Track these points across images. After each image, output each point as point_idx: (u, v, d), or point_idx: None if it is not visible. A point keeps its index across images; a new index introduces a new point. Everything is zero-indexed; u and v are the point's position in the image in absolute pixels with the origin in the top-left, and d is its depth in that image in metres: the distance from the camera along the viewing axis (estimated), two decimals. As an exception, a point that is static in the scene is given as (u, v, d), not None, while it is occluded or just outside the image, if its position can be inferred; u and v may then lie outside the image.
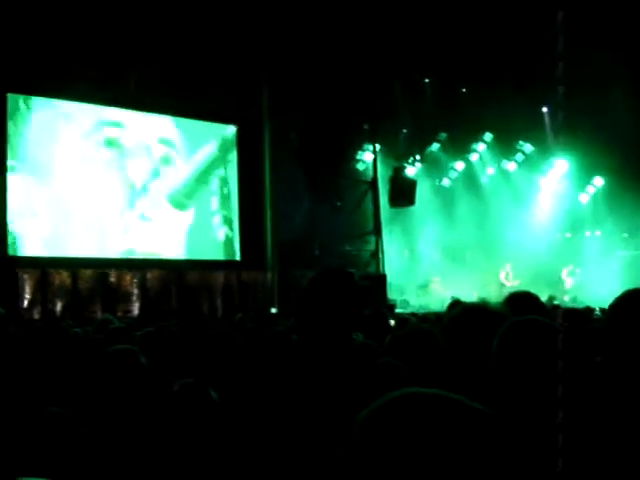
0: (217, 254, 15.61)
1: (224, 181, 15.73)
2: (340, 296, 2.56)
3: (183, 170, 15.17)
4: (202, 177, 15.42)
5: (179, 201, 15.03)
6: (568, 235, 20.14)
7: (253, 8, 13.53)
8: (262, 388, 2.70)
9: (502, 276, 18.99)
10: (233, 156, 15.87)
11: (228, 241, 15.71)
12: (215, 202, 15.60)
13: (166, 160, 14.92)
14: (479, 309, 2.50)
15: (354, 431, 1.05)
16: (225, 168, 15.78)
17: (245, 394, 2.83)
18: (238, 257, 15.74)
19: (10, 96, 12.96)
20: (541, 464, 1.75)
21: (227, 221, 15.67)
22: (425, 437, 1.00)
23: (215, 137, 15.74)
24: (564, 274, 18.63)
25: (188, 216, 15.12)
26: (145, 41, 13.41)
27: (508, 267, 18.96)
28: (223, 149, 15.78)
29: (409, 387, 1.09)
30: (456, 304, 6.32)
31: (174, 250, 14.91)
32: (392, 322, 5.53)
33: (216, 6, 13.33)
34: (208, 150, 15.54)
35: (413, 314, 10.18)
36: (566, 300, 17.04)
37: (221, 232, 15.64)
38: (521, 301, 3.29)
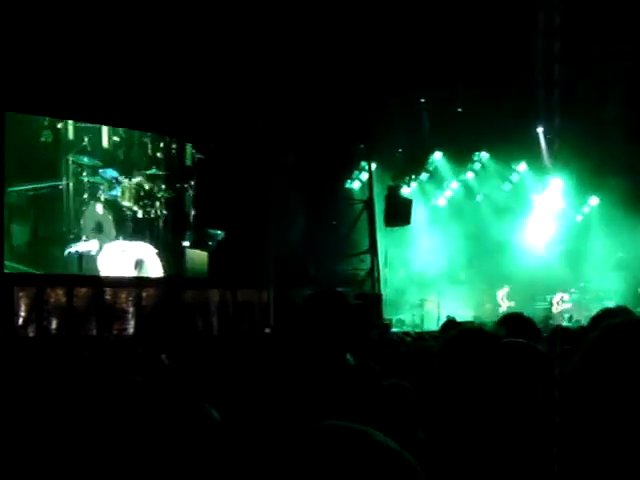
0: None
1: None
2: (333, 316, 2.56)
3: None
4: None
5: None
6: (563, 254, 20.14)
7: (247, 27, 13.61)
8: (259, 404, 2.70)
9: (500, 297, 18.99)
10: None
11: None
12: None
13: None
14: (475, 331, 2.51)
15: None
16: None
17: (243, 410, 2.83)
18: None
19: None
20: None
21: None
22: (332, 466, 1.15)
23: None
24: (554, 301, 18.56)
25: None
26: (141, 62, 13.49)
27: (506, 289, 18.96)
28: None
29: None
30: (451, 323, 6.32)
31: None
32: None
33: (211, 26, 13.41)
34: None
35: (405, 333, 10.16)
36: (561, 321, 17.02)
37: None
38: (515, 323, 3.32)
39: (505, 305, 18.45)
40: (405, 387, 2.90)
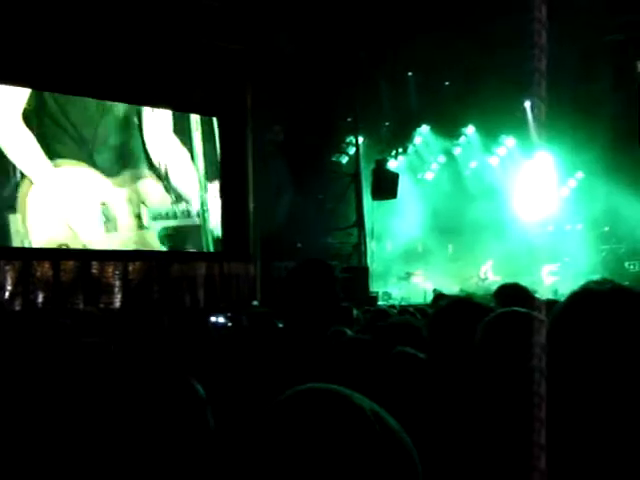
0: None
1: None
2: (318, 286, 2.56)
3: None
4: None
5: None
6: (550, 228, 20.20)
7: (235, 4, 13.53)
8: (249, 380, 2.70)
9: (482, 271, 19.04)
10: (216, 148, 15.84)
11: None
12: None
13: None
14: (465, 302, 2.50)
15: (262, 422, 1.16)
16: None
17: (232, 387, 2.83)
18: (220, 248, 15.70)
19: None
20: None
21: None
22: (309, 430, 1.10)
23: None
24: (544, 273, 18.63)
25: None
26: (131, 34, 13.37)
27: (489, 264, 18.99)
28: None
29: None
30: (440, 297, 6.32)
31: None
32: (355, 312, 5.55)
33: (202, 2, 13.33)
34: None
35: (391, 306, 10.21)
36: (546, 294, 17.09)
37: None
38: (510, 293, 3.32)
39: (491, 279, 18.49)
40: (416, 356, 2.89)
